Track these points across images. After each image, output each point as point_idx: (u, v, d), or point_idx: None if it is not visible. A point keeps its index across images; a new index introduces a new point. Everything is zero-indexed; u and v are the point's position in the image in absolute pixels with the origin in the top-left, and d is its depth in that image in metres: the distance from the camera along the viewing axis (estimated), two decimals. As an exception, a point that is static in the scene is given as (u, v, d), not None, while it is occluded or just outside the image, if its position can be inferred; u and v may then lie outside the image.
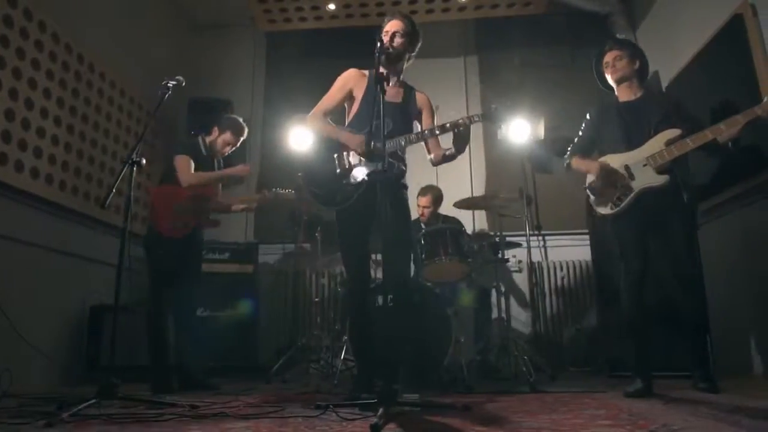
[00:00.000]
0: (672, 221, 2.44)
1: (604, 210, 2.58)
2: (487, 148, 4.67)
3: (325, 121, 2.35)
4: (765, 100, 2.31)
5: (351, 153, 2.27)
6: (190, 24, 4.93)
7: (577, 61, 4.63)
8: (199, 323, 3.14)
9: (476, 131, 4.73)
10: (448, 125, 2.20)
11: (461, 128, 2.17)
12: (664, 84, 4.10)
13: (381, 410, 1.63)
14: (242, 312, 3.93)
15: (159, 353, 2.75)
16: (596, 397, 2.25)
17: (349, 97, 2.39)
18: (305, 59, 4.88)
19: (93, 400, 1.87)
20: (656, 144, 2.46)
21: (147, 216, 2.96)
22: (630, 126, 2.56)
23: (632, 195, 2.47)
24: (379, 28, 2.37)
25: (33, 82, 2.97)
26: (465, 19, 4.71)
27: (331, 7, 3.98)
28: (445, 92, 4.71)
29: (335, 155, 2.28)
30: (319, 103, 2.36)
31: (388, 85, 2.09)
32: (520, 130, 4.29)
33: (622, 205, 2.49)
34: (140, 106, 4.05)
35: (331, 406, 1.78)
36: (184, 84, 2.52)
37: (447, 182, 4.28)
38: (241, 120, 3.14)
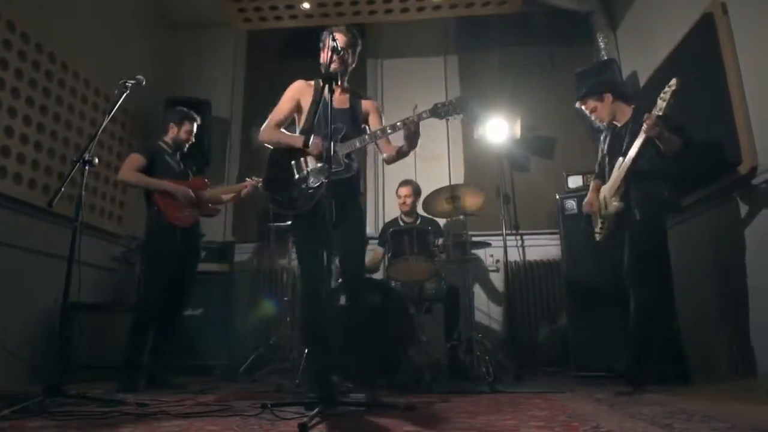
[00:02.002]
0: (628, 238, 2.61)
1: (597, 236, 2.80)
2: (465, 146, 4.66)
3: (280, 131, 2.43)
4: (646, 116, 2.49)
5: (308, 158, 2.35)
6: (170, 23, 4.93)
7: (557, 60, 4.61)
8: (181, 323, 3.16)
9: (455, 130, 4.73)
10: (399, 123, 2.29)
11: (411, 125, 2.27)
12: (642, 84, 4.08)
13: (315, 410, 1.64)
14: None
15: (136, 352, 2.77)
16: (550, 398, 2.24)
17: (298, 107, 2.47)
18: (286, 58, 4.89)
19: (37, 398, 1.89)
20: (615, 172, 2.65)
21: (147, 212, 3.00)
22: (611, 154, 2.74)
23: (607, 222, 2.70)
24: (328, 30, 2.36)
25: (1, 81, 2.99)
26: (445, 18, 4.69)
27: (306, 6, 3.98)
28: (425, 91, 4.71)
29: (293, 162, 2.36)
30: (271, 116, 2.44)
31: (337, 84, 2.10)
32: (498, 129, 4.29)
33: (603, 233, 2.74)
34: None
35: (269, 406, 1.78)
36: (143, 83, 2.53)
37: (425, 181, 4.28)
38: (183, 108, 3.22)
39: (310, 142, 2.28)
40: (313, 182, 2.30)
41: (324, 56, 2.39)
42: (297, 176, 2.34)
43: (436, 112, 2.30)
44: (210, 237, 4.24)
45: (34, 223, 3.27)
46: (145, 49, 4.52)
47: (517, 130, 4.13)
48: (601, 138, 2.87)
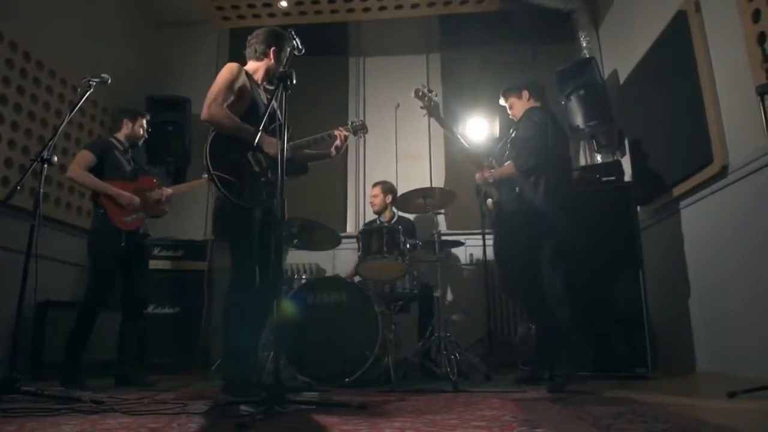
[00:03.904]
0: None
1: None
2: (446, 145, 4.65)
3: (234, 117, 2.25)
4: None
5: (264, 153, 2.30)
6: (154, 22, 4.94)
7: (538, 58, 4.59)
8: (143, 322, 3.17)
9: (437, 129, 4.71)
10: (336, 133, 2.54)
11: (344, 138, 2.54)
12: (622, 81, 4.06)
13: (256, 409, 1.64)
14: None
15: (75, 349, 2.77)
16: (508, 397, 2.22)
17: (237, 92, 2.31)
18: (268, 57, 4.88)
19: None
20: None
21: (94, 212, 2.99)
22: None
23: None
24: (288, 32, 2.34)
25: (-28, 79, 3.00)
26: (428, 16, 4.68)
27: (283, 4, 3.98)
28: (407, 89, 4.64)
29: (249, 153, 2.26)
30: (217, 94, 2.22)
31: (293, 83, 2.09)
32: (478, 128, 4.28)
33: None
34: (95, 103, 4.07)
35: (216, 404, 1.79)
36: (109, 81, 2.53)
37: (406, 180, 4.29)
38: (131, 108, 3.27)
39: (267, 141, 2.26)
40: (272, 178, 2.25)
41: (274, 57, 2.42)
42: (256, 169, 2.26)
43: (353, 128, 2.65)
44: (189, 235, 4.26)
45: (9, 221, 3.28)
46: (128, 47, 4.53)
47: (496, 129, 4.12)
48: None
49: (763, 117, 2.22)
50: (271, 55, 2.43)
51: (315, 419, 1.68)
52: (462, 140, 3.05)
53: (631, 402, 2.00)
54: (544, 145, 2.65)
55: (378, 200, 3.81)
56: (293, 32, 2.26)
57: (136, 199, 2.94)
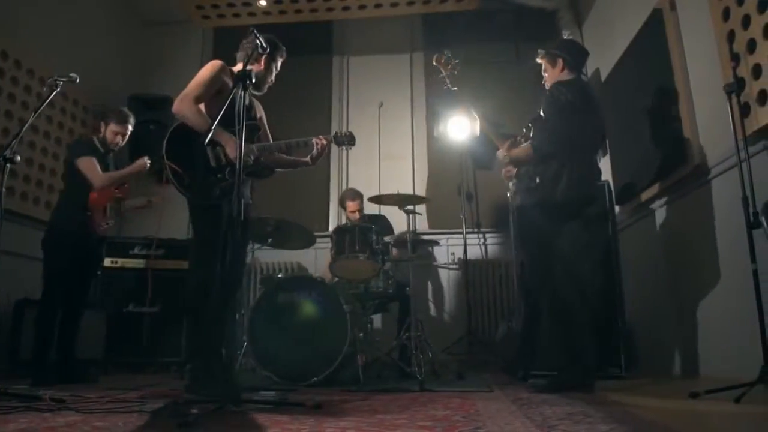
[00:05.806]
0: None
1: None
2: (429, 145, 4.64)
3: (203, 113, 2.26)
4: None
5: (226, 147, 2.26)
6: (138, 20, 4.95)
7: (522, 56, 4.56)
8: (82, 318, 3.15)
9: (420, 128, 4.71)
10: (314, 140, 2.40)
11: (324, 148, 2.42)
12: (603, 79, 4.05)
13: (205, 409, 1.64)
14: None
15: (44, 346, 2.79)
16: (469, 397, 2.22)
17: (218, 90, 2.33)
18: (253, 56, 4.88)
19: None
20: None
21: (76, 214, 2.96)
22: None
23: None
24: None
25: (-52, 79, 3.02)
26: (411, 15, 4.67)
27: (263, 3, 3.97)
28: (391, 88, 4.71)
29: (208, 147, 2.22)
30: (192, 90, 2.25)
31: (251, 83, 2.08)
32: (460, 128, 4.26)
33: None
34: (75, 102, 4.08)
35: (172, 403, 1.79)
36: (77, 81, 2.52)
37: (389, 180, 4.29)
38: (124, 108, 3.19)
39: (226, 140, 2.22)
40: (230, 176, 2.22)
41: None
42: (213, 164, 2.23)
43: (336, 139, 2.48)
44: (171, 234, 4.26)
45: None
46: (110, 46, 4.54)
47: (477, 128, 4.10)
48: None
49: (730, 116, 2.20)
50: (262, 63, 2.45)
51: (263, 418, 1.68)
52: (483, 118, 2.85)
53: (588, 403, 1.99)
54: (564, 129, 2.38)
55: (361, 213, 3.77)
56: (256, 31, 2.25)
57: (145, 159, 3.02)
